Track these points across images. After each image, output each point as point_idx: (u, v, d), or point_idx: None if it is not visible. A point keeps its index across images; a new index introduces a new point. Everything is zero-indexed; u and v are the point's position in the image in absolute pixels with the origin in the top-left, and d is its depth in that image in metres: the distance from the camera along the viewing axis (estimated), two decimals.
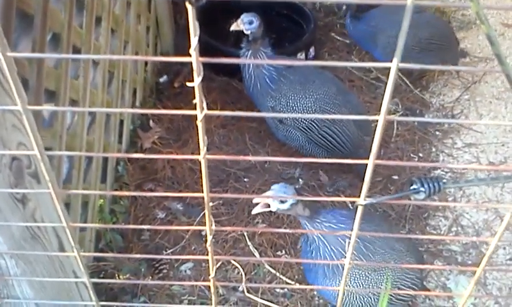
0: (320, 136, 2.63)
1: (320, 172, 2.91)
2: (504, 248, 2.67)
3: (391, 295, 2.00)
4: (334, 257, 1.95)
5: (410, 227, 2.70)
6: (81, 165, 2.24)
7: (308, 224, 1.95)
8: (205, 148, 0.86)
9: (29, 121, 0.69)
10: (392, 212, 2.76)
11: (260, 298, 2.42)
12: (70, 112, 2.19)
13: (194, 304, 2.41)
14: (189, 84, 0.63)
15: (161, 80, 3.22)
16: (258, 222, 2.68)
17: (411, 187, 1.09)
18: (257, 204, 1.91)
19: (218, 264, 1.20)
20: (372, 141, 0.65)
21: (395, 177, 2.92)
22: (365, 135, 2.68)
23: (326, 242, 1.96)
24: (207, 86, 3.19)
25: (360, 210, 0.91)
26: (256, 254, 2.56)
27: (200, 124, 0.76)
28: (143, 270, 2.48)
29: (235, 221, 2.68)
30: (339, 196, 2.84)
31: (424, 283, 2.52)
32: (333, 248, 1.96)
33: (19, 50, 1.72)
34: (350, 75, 3.40)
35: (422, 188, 1.09)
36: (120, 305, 2.17)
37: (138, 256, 2.44)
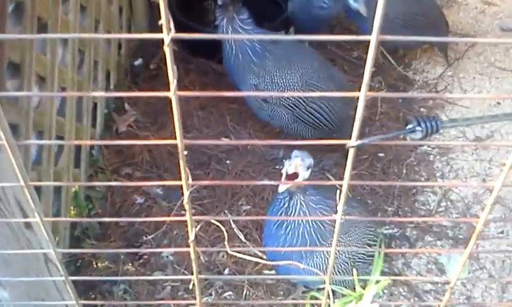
0: (307, 113, 2.52)
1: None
2: (495, 221, 2.60)
3: (363, 254, 1.95)
4: (314, 235, 1.88)
5: (398, 204, 2.62)
6: (52, 146, 2.10)
7: (301, 200, 1.86)
8: (175, 81, 0.76)
9: None
10: (380, 189, 2.67)
11: (247, 280, 2.32)
12: (37, 88, 2.05)
13: (177, 290, 2.29)
14: None
15: (136, 63, 3.08)
16: (242, 204, 2.57)
17: (407, 127, 1.00)
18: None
19: (198, 226, 1.08)
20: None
21: (381, 154, 2.83)
22: (351, 110, 2.59)
23: (310, 222, 1.88)
24: (185, 67, 3.07)
25: (351, 152, 0.83)
26: (241, 236, 2.45)
27: (167, 50, 0.66)
28: (122, 257, 2.34)
29: (217, 204, 2.56)
30: (324, 175, 2.75)
31: (416, 259, 2.44)
32: (315, 226, 1.88)
33: None
34: (331, 54, 3.30)
35: (418, 128, 0.99)
36: (90, 278, 2.04)
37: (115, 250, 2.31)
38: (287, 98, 2.49)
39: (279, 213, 1.90)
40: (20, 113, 1.86)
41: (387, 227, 2.51)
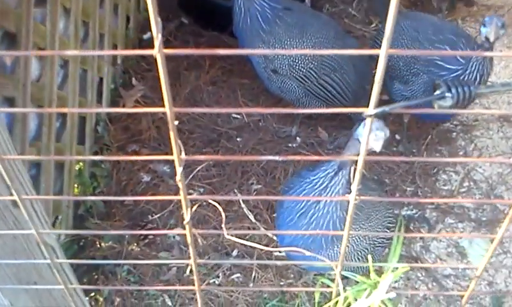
0: (319, 86, 2.38)
1: (319, 129, 2.68)
2: None
3: (382, 238, 1.81)
4: (339, 226, 1.71)
5: (419, 184, 2.48)
6: (52, 121, 2.01)
7: (345, 178, 1.63)
8: (160, 36, 0.64)
9: None
10: (399, 168, 2.54)
11: (256, 263, 2.22)
12: (37, 61, 1.96)
13: (183, 272, 2.20)
14: None
15: (145, 36, 2.97)
16: (252, 183, 2.46)
17: (436, 92, 0.86)
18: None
19: (195, 207, 0.97)
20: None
21: (398, 137, 2.67)
22: (367, 84, 2.44)
23: (338, 207, 1.70)
24: (195, 41, 2.95)
25: (368, 121, 0.72)
26: (251, 216, 2.34)
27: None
28: (127, 236, 2.26)
29: (227, 183, 2.46)
30: (340, 154, 2.62)
31: (435, 242, 2.31)
32: (341, 216, 1.71)
33: None
34: (348, 27, 3.14)
35: (448, 94, 0.85)
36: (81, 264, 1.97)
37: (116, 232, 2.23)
38: (298, 69, 2.35)
39: (312, 195, 1.68)
40: (17, 86, 1.77)
41: (406, 208, 2.38)
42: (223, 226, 0.96)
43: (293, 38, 2.33)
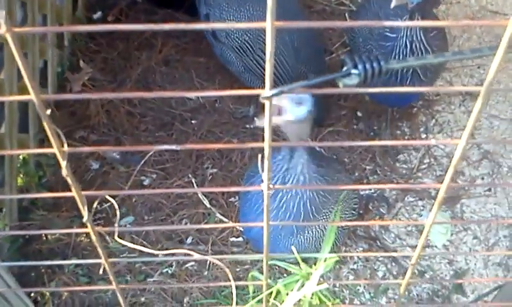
0: (254, 62, 2.26)
1: None
2: (482, 178, 2.41)
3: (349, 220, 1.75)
4: (309, 207, 1.64)
5: (378, 162, 2.42)
6: None
7: (303, 160, 1.56)
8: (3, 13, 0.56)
9: None
10: (358, 147, 2.47)
11: (211, 249, 2.14)
12: None
13: (134, 263, 2.12)
14: None
15: (95, 16, 2.83)
16: (207, 168, 2.37)
17: (343, 69, 0.77)
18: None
19: (96, 203, 0.88)
20: None
21: (359, 114, 2.60)
22: (308, 71, 2.30)
23: (308, 191, 1.62)
24: (147, 19, 2.82)
25: (267, 105, 0.65)
26: (206, 202, 2.26)
27: None
28: (75, 227, 2.16)
29: (181, 168, 2.36)
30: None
31: (394, 220, 2.26)
32: (311, 196, 1.63)
33: None
34: (309, 1, 3.03)
35: (354, 70, 0.77)
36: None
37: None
38: (233, 39, 2.23)
39: (275, 181, 1.58)
40: None
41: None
42: (116, 224, 0.88)
43: (230, 5, 2.21)
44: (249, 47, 2.22)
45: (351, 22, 2.07)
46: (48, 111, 0.68)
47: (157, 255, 2.02)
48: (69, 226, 2.15)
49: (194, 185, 2.31)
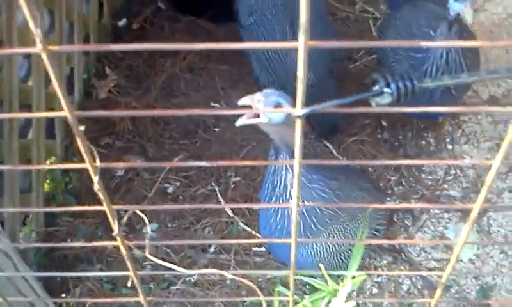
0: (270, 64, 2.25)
1: None
2: (510, 191, 2.36)
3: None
4: (308, 217, 1.62)
5: (403, 172, 2.39)
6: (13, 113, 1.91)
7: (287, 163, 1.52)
8: (39, 31, 0.55)
9: None
10: (383, 156, 2.44)
11: (233, 258, 2.14)
12: None
13: (158, 269, 2.12)
14: None
15: (120, 23, 2.85)
16: (231, 176, 2.37)
17: (374, 88, 0.76)
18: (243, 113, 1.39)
19: (126, 217, 0.88)
20: None
21: (384, 124, 2.58)
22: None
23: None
24: (170, 27, 2.83)
25: (298, 123, 0.62)
26: (229, 210, 2.26)
27: None
28: (100, 234, 2.18)
29: (204, 176, 2.37)
30: (321, 142, 2.52)
31: (420, 233, 2.23)
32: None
33: None
34: (332, 8, 3.01)
35: (387, 89, 0.75)
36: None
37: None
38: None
39: (269, 183, 1.57)
40: None
41: (389, 198, 2.30)
42: (147, 229, 0.88)
43: (274, 8, 2.22)
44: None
45: (386, 42, 2.03)
46: (82, 127, 0.69)
47: (182, 267, 2.03)
48: (94, 232, 2.17)
49: (218, 193, 2.31)
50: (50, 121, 2.26)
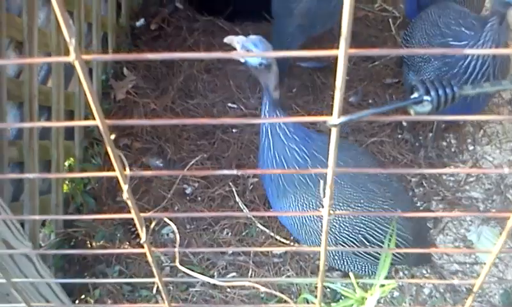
0: None
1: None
2: None
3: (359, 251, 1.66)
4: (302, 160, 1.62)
5: (423, 176, 2.35)
6: (34, 118, 1.92)
7: (267, 113, 1.60)
8: (74, 41, 0.56)
9: None
10: (403, 158, 2.41)
11: (252, 261, 2.13)
12: (16, 55, 1.86)
13: (177, 271, 2.12)
14: None
15: (138, 24, 2.85)
16: (248, 177, 2.36)
17: (412, 96, 0.74)
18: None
19: (153, 224, 0.87)
20: None
21: (404, 124, 2.54)
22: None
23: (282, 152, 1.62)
24: (189, 27, 2.83)
25: (333, 132, 0.60)
26: (246, 211, 2.24)
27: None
28: (118, 235, 2.18)
29: (222, 176, 2.35)
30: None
31: (441, 235, 2.19)
32: (283, 158, 1.63)
33: None
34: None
35: (426, 97, 0.73)
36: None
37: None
38: None
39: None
40: None
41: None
42: (176, 239, 0.86)
43: None
44: None
45: (435, 50, 1.95)
46: (113, 136, 0.68)
47: (201, 269, 2.02)
48: (113, 234, 2.17)
49: (235, 194, 2.30)
50: (69, 121, 2.26)
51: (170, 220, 2.22)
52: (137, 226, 0.84)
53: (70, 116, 2.27)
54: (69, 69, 2.25)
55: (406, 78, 2.24)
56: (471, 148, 2.45)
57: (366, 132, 2.48)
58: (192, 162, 2.36)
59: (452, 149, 2.45)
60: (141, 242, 0.85)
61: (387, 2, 3.03)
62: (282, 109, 1.61)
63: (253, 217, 2.23)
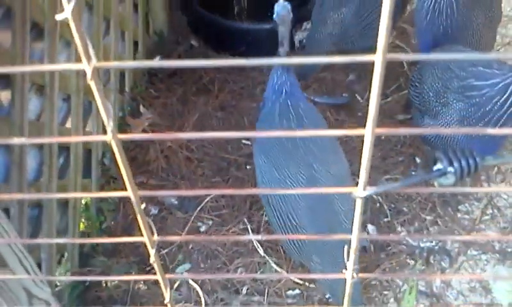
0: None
1: None
2: None
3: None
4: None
5: (439, 212, 2.35)
6: (53, 159, 1.96)
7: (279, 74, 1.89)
8: (111, 122, 0.59)
9: None
10: (418, 196, 2.41)
11: (267, 301, 2.12)
12: (37, 97, 1.91)
13: None
14: None
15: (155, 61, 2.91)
16: (262, 214, 2.37)
17: (435, 167, 0.75)
18: None
19: (176, 284, 0.89)
20: None
21: (418, 160, 2.55)
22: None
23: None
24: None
25: (358, 203, 0.62)
26: (261, 250, 2.25)
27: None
28: (133, 272, 2.19)
29: (237, 214, 2.37)
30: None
31: (457, 275, 2.17)
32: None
33: None
34: None
35: (450, 168, 0.74)
36: None
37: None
38: None
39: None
40: (13, 128, 1.72)
41: (425, 239, 2.26)
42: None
43: None
44: None
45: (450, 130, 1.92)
46: (143, 206, 0.71)
47: None
48: (128, 272, 2.19)
49: (250, 231, 2.31)
50: (87, 160, 2.30)
51: (182, 256, 2.24)
52: (162, 287, 0.86)
53: (88, 155, 2.31)
54: (87, 109, 2.30)
55: (419, 123, 2.19)
56: (485, 185, 2.44)
57: (380, 169, 2.49)
58: (207, 199, 2.38)
59: (467, 187, 2.44)
60: (165, 302, 0.87)
61: (399, 37, 3.06)
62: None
63: (267, 255, 2.23)
